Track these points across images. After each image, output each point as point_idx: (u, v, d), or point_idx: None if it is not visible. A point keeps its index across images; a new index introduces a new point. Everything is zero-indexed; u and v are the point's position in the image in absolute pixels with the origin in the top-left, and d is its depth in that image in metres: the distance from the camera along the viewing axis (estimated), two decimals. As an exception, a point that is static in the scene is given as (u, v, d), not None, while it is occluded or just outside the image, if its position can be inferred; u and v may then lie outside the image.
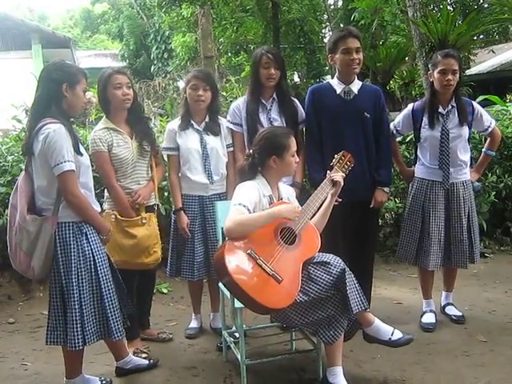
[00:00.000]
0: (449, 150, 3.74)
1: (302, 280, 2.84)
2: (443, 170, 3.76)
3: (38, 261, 2.81)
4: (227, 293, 3.11)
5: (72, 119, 3.08)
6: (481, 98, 7.18)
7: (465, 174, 3.84)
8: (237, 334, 3.27)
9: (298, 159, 3.14)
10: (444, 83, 3.67)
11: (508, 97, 7.48)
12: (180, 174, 3.73)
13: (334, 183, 3.11)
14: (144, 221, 3.46)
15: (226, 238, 2.87)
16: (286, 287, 2.77)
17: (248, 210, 2.87)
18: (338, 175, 3.12)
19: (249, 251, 2.78)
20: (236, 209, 2.87)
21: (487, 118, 3.91)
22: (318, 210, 3.11)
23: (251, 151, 3.12)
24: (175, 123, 3.74)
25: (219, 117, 3.81)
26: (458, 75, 3.70)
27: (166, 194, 4.68)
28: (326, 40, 15.51)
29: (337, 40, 3.60)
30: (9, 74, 12.17)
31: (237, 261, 2.75)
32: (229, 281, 2.72)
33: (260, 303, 2.69)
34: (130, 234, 3.42)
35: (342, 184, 3.12)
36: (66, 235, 2.83)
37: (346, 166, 3.22)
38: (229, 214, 2.88)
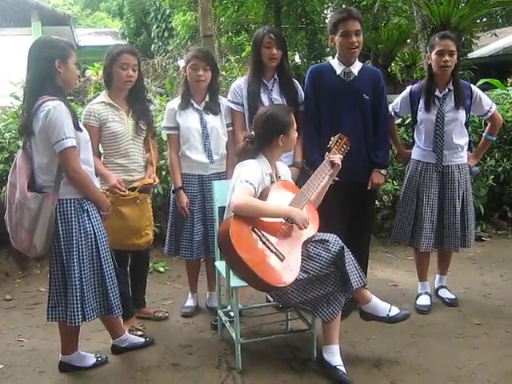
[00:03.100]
0: (443, 133, 3.71)
1: (301, 258, 2.88)
2: (437, 153, 3.75)
3: (40, 238, 2.80)
4: (223, 272, 3.12)
5: (72, 97, 3.05)
6: (481, 81, 7.15)
7: (461, 158, 3.81)
8: (232, 313, 3.28)
9: (296, 133, 3.19)
10: (441, 64, 3.64)
11: (509, 80, 7.42)
12: (180, 154, 3.72)
13: (333, 165, 3.14)
14: (138, 201, 3.40)
15: (228, 214, 2.90)
16: (288, 265, 2.82)
17: (254, 187, 2.91)
18: (337, 157, 3.16)
19: (253, 228, 2.83)
20: (243, 186, 2.90)
21: (487, 102, 3.86)
22: None
23: (252, 133, 3.13)
24: (175, 102, 3.72)
25: (219, 96, 3.78)
26: (455, 57, 3.66)
27: (163, 173, 4.67)
28: (327, 21, 15.37)
29: (336, 22, 3.56)
30: (7, 51, 12.05)
31: (242, 237, 2.79)
32: (233, 256, 2.74)
33: (263, 280, 2.72)
34: (121, 215, 3.33)
35: (340, 166, 3.15)
36: (67, 212, 2.82)
37: (343, 149, 3.25)
38: (236, 191, 2.91)
